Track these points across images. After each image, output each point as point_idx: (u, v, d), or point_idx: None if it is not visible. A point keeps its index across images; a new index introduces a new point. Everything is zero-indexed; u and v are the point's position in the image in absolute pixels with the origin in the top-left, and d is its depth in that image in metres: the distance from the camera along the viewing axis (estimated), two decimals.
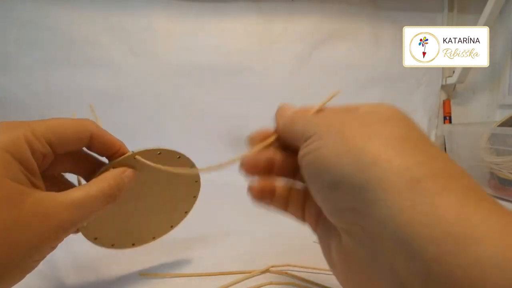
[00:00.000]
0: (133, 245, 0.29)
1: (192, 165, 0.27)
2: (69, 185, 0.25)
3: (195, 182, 0.29)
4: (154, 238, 0.30)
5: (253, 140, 0.22)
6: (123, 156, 0.24)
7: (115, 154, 0.24)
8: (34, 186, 0.19)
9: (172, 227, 0.30)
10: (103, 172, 0.23)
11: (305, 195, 0.21)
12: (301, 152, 0.18)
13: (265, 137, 0.21)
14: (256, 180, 0.21)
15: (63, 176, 0.25)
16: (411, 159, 0.14)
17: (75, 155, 0.24)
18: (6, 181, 0.17)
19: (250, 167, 0.21)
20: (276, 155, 0.21)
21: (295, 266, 0.31)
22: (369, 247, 0.14)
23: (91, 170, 0.24)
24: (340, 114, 0.18)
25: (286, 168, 0.21)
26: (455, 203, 0.12)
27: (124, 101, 0.68)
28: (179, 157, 0.26)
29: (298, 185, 0.22)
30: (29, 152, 0.19)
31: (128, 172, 0.23)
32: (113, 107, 0.68)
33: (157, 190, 0.27)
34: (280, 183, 0.21)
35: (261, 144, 0.21)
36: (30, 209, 0.17)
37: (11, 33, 0.64)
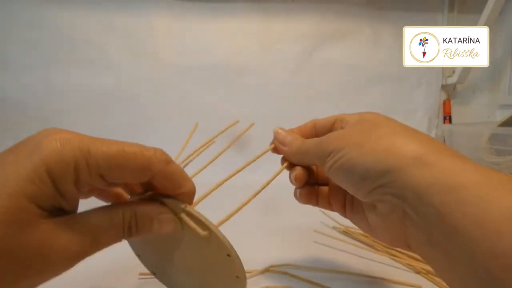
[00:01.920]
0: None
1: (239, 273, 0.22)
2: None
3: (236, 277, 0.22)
4: None
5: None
6: (180, 202, 0.20)
7: (171, 190, 0.20)
8: (61, 209, 0.17)
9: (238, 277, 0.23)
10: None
11: (329, 193, 0.28)
12: (327, 165, 0.23)
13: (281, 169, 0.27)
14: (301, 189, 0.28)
15: None
16: (411, 145, 0.19)
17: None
18: (26, 202, 0.15)
19: (299, 180, 0.27)
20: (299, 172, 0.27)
21: (295, 266, 0.31)
22: (398, 207, 0.19)
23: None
24: (342, 132, 0.24)
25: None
26: (447, 166, 0.18)
27: (124, 101, 0.68)
28: (228, 255, 0.21)
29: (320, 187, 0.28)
30: (71, 180, 0.16)
31: (165, 216, 0.20)
32: (113, 107, 0.68)
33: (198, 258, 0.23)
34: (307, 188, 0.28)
35: (275, 174, 0.26)
36: (33, 244, 0.15)
37: (11, 33, 0.64)
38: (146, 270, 0.31)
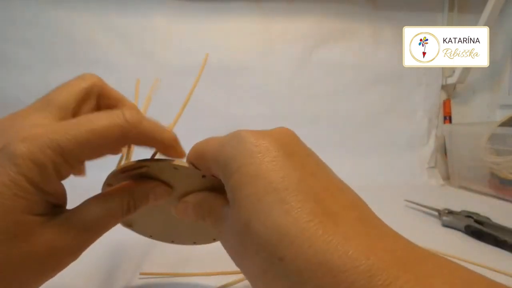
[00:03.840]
0: (172, 242, 0.27)
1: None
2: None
3: None
4: (195, 243, 0.27)
5: None
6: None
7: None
8: (53, 205, 0.17)
9: (214, 240, 0.26)
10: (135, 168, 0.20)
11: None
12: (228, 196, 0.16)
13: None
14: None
15: None
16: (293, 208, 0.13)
17: None
18: (21, 215, 0.15)
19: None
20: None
21: None
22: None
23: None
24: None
25: None
26: (336, 242, 0.12)
27: None
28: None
29: None
30: (54, 179, 0.16)
31: (159, 189, 0.20)
32: None
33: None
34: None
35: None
36: (40, 246, 0.16)
37: (11, 33, 0.64)
38: (146, 270, 0.30)
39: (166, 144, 0.19)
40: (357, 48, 0.73)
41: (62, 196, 0.18)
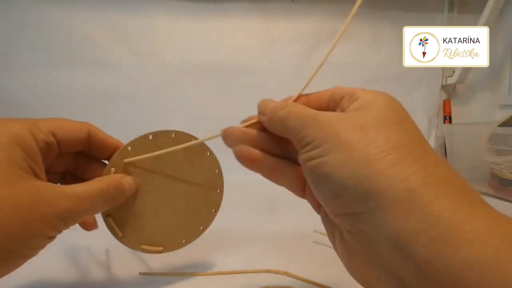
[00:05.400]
0: (164, 248, 0.28)
1: (192, 138, 0.26)
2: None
3: (212, 160, 0.27)
4: (202, 230, 0.28)
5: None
6: (118, 151, 0.24)
7: (112, 155, 0.24)
8: (36, 175, 0.19)
9: (202, 229, 0.28)
10: (105, 174, 0.23)
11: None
12: (301, 156, 0.18)
13: (250, 118, 0.22)
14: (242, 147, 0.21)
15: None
16: (406, 170, 0.14)
17: (78, 157, 0.25)
18: (6, 165, 0.18)
19: (232, 137, 0.21)
20: (261, 137, 0.22)
21: (294, 276, 0.31)
22: (369, 248, 0.15)
23: (93, 173, 0.25)
24: (335, 118, 0.17)
25: (275, 150, 0.21)
26: (446, 209, 0.13)
27: (124, 101, 0.68)
28: (174, 135, 0.25)
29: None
30: (32, 140, 0.19)
31: (127, 178, 0.24)
32: (113, 107, 0.68)
33: (176, 185, 0.26)
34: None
35: (243, 125, 0.22)
36: (26, 193, 0.18)
37: (11, 33, 0.64)
38: (146, 270, 0.30)
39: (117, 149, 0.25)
40: (357, 48, 0.73)
41: (42, 168, 0.20)
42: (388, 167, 0.14)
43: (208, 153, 0.27)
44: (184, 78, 0.69)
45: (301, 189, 0.22)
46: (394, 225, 0.14)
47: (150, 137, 0.24)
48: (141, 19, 0.68)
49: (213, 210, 0.28)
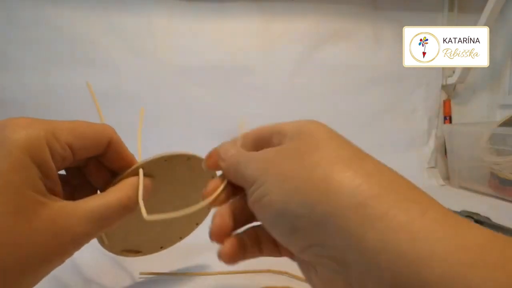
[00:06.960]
0: (161, 248, 0.29)
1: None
2: (85, 186, 0.24)
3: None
4: (181, 238, 0.30)
5: (206, 195, 0.20)
6: (131, 168, 0.22)
7: (124, 167, 0.23)
8: (51, 191, 0.18)
9: (197, 224, 0.30)
10: (116, 183, 0.22)
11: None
12: (250, 199, 0.17)
13: (214, 188, 0.20)
14: (225, 245, 0.20)
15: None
16: (352, 183, 0.14)
17: (90, 163, 0.23)
18: (22, 190, 0.16)
19: (219, 237, 0.20)
20: (232, 204, 0.20)
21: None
22: (343, 274, 0.15)
23: (103, 181, 0.24)
24: (272, 153, 0.17)
25: (246, 211, 0.19)
26: (401, 222, 0.13)
27: (124, 101, 0.68)
28: (188, 159, 0.24)
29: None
30: (49, 155, 0.17)
31: (145, 181, 0.22)
32: (113, 107, 0.68)
33: (174, 190, 0.26)
34: (246, 233, 0.20)
35: (210, 197, 0.20)
36: (43, 224, 0.16)
37: (11, 33, 0.64)
38: (146, 270, 0.31)
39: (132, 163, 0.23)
40: (357, 48, 0.73)
41: (56, 185, 0.19)
42: (335, 185, 0.14)
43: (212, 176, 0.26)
44: (184, 78, 0.69)
45: (276, 250, 0.20)
46: (357, 246, 0.13)
47: (165, 160, 0.23)
48: (141, 19, 0.68)
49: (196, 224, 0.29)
